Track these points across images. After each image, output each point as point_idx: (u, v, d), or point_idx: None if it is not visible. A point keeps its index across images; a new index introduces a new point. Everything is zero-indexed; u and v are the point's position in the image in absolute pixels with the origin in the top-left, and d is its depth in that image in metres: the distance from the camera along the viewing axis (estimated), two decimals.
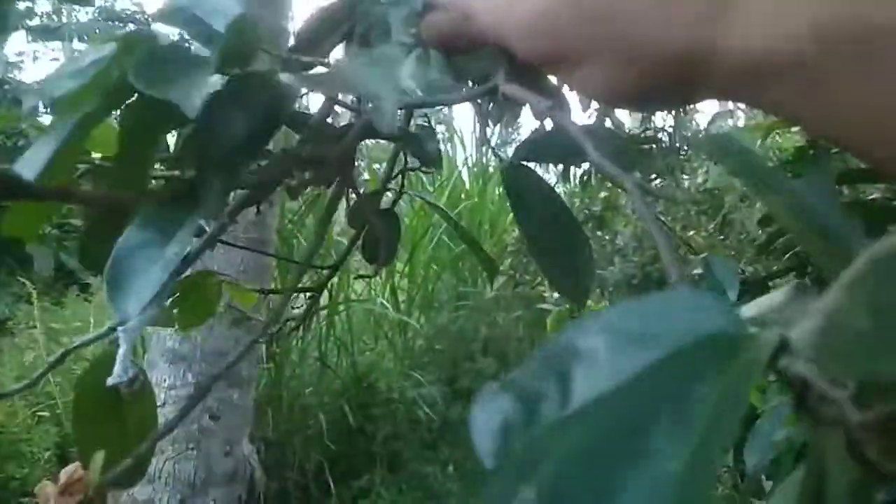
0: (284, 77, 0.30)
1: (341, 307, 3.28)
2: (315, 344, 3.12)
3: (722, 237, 4.06)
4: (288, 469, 2.72)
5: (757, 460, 0.89)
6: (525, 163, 0.38)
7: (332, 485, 2.75)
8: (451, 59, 0.33)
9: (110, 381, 0.35)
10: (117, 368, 0.34)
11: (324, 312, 3.06)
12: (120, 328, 0.34)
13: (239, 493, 2.05)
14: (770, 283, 1.17)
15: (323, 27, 0.36)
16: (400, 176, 0.55)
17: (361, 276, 2.98)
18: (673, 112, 2.17)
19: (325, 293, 3.24)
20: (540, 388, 0.17)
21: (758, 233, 3.82)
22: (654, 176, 4.08)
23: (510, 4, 0.31)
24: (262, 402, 2.64)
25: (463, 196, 3.91)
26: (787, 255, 1.16)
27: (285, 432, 2.76)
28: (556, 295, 1.67)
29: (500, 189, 4.71)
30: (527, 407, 0.17)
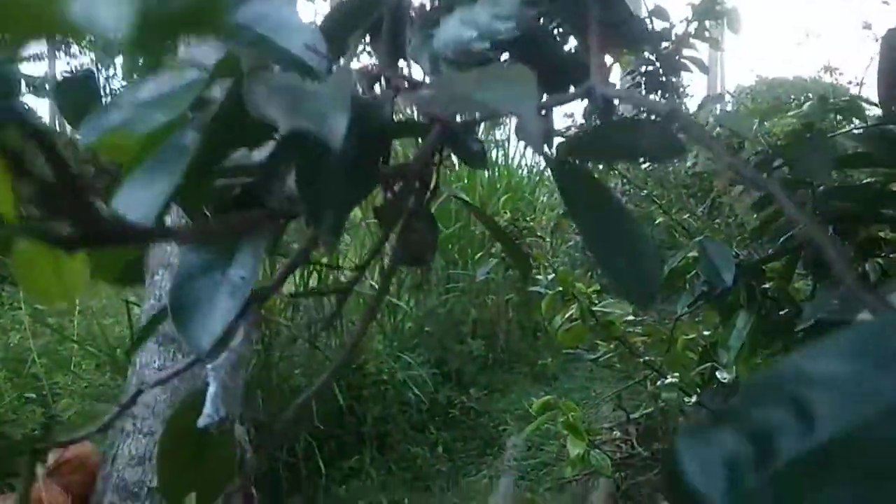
0: (403, 98, 0.28)
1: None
2: (304, 323, 3.11)
3: (711, 220, 4.08)
4: (278, 450, 2.72)
5: None
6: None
7: (321, 465, 2.75)
8: None
9: (201, 422, 0.32)
10: (208, 408, 0.32)
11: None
12: (209, 367, 0.32)
13: None
14: (764, 267, 1.18)
15: (344, 22, 0.34)
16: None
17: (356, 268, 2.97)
18: (665, 95, 2.16)
19: (315, 275, 3.23)
20: (771, 419, 0.15)
21: (746, 216, 3.84)
22: (641, 160, 4.08)
23: None
24: (251, 384, 2.64)
25: (453, 178, 3.90)
26: (781, 239, 1.16)
27: (276, 415, 2.75)
28: (548, 278, 1.67)
29: (489, 172, 4.70)
30: (757, 441, 0.15)
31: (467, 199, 3.15)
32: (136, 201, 0.25)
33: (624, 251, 0.34)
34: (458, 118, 0.41)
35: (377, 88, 0.36)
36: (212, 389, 0.33)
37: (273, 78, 0.27)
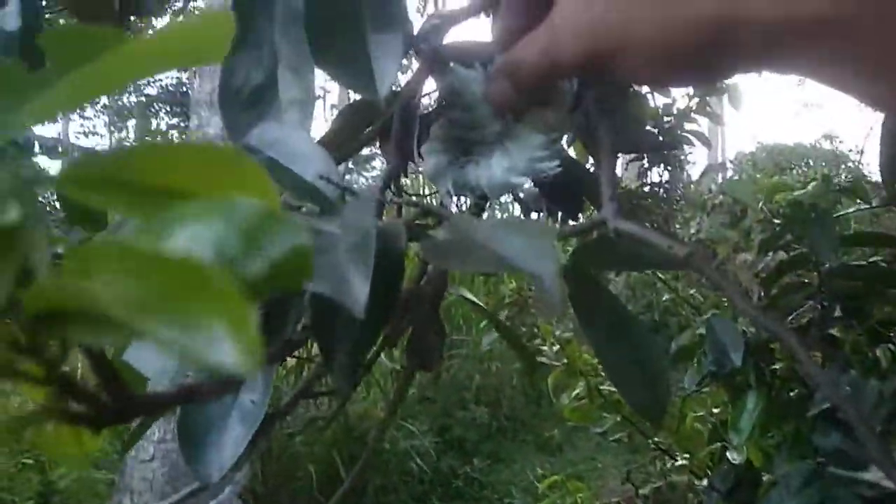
0: (422, 250, 0.28)
1: None
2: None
3: (715, 290, 4.06)
4: None
5: None
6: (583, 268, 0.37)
7: None
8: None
9: None
10: None
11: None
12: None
13: None
14: (771, 346, 1.16)
15: (348, 126, 0.35)
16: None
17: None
18: (668, 167, 2.20)
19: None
20: None
21: (752, 285, 3.83)
22: (648, 227, 4.11)
23: (558, 30, 0.32)
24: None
25: None
26: (790, 317, 1.15)
27: (274, 485, 2.69)
28: (553, 349, 1.65)
29: None
30: None
31: (474, 299, 3.14)
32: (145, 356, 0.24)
33: (636, 368, 0.34)
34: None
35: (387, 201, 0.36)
36: None
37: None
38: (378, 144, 0.38)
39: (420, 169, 0.37)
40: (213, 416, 0.28)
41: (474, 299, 0.62)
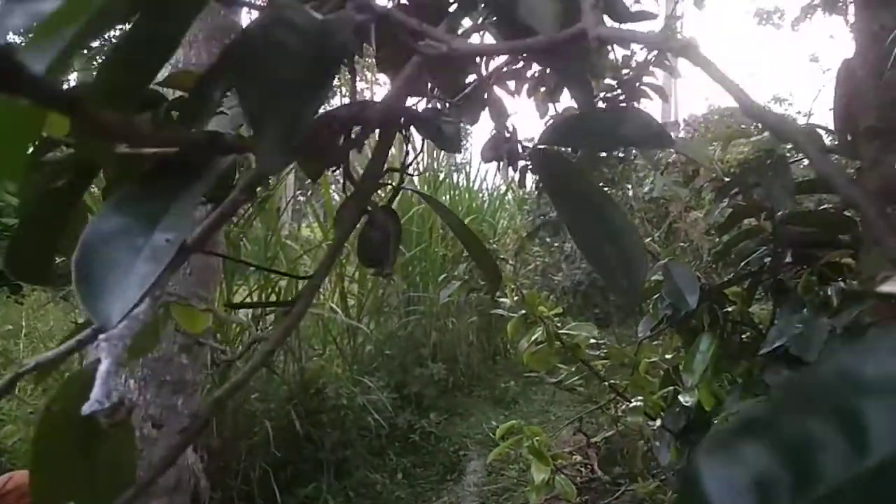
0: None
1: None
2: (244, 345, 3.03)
3: (667, 245, 4.15)
4: (232, 477, 2.63)
5: None
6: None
7: (277, 493, 2.68)
8: None
9: (86, 408, 0.25)
10: (97, 392, 0.25)
11: (270, 317, 2.99)
12: (101, 337, 0.26)
13: (182, 503, 1.97)
14: (726, 291, 1.19)
15: None
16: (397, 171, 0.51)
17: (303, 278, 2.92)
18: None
19: (274, 296, 3.17)
20: (811, 433, 0.12)
21: (701, 241, 3.93)
22: (600, 185, 4.15)
23: None
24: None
25: (414, 201, 3.88)
26: (742, 263, 1.18)
27: (230, 439, 2.67)
28: (509, 302, 1.66)
29: (451, 193, 4.71)
30: (794, 460, 0.12)
31: (425, 193, 3.12)
32: (34, 54, 0.20)
33: (609, 238, 0.33)
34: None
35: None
36: (104, 366, 0.26)
37: None
38: None
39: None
40: (120, 256, 0.25)
41: (426, 194, 0.60)
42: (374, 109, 0.32)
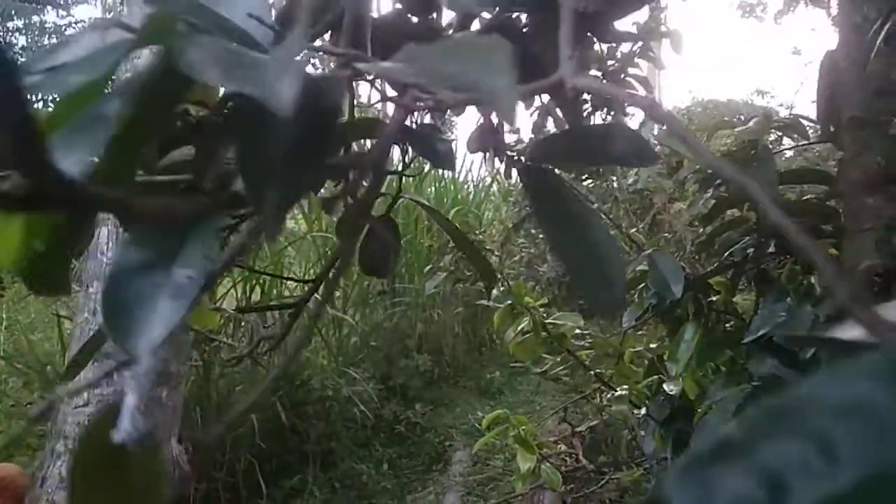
0: (362, 66, 0.26)
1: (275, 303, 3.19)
2: (246, 340, 3.02)
3: (651, 236, 4.18)
4: (217, 469, 2.63)
5: None
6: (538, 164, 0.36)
7: (263, 485, 2.67)
8: None
9: (117, 437, 0.27)
10: (125, 423, 0.27)
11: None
12: (128, 375, 0.28)
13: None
14: (710, 280, 1.20)
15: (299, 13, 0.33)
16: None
17: (293, 279, 2.92)
18: (611, 112, 2.20)
19: (258, 289, 3.15)
20: (784, 455, 0.12)
21: (685, 232, 3.96)
22: (585, 177, 4.17)
23: None
24: (190, 401, 2.54)
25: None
26: (726, 253, 1.19)
27: (216, 433, 2.66)
28: (495, 292, 1.67)
29: (436, 185, 4.71)
30: (766, 482, 0.12)
31: (424, 201, 3.12)
32: (69, 159, 0.22)
33: (591, 257, 0.33)
34: (424, 120, 0.40)
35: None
36: (129, 400, 0.28)
37: (214, 42, 0.24)
38: (329, 37, 0.36)
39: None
40: (144, 292, 0.25)
41: (426, 203, 0.60)
42: (367, 158, 0.33)
